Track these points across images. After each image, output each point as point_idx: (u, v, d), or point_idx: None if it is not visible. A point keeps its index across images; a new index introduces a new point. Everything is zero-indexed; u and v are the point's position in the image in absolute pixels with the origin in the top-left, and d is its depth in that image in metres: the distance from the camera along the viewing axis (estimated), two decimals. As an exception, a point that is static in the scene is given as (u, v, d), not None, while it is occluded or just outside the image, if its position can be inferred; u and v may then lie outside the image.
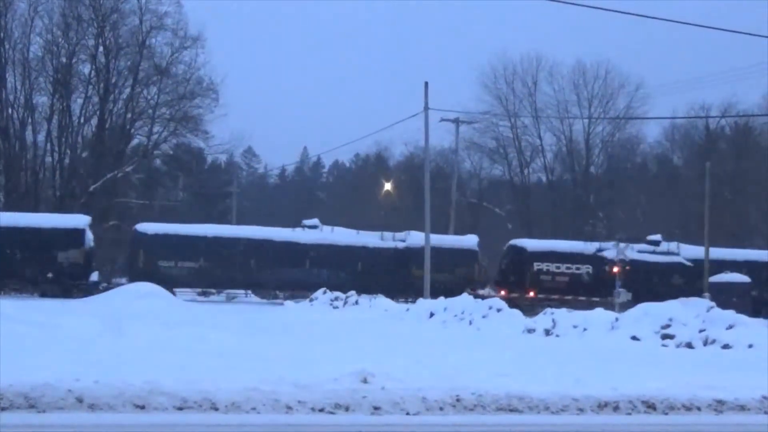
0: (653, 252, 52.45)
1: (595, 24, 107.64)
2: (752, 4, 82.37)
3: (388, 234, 52.00)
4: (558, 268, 51.60)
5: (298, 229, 51.14)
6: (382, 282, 48.99)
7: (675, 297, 47.53)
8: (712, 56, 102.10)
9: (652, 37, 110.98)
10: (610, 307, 38.22)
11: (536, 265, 51.21)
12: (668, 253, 52.52)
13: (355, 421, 11.26)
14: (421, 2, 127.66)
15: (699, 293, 47.06)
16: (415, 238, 50.59)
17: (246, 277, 49.28)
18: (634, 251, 51.25)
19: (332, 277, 49.43)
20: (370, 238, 51.52)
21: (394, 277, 49.74)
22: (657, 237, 53.35)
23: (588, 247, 52.57)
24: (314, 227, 51.42)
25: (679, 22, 25.39)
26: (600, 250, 51.93)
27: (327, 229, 51.60)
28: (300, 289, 47.99)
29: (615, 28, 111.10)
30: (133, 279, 46.60)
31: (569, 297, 48.67)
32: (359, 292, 43.22)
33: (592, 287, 50.57)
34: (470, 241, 52.75)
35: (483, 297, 46.91)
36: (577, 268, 51.76)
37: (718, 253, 52.39)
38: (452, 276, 49.81)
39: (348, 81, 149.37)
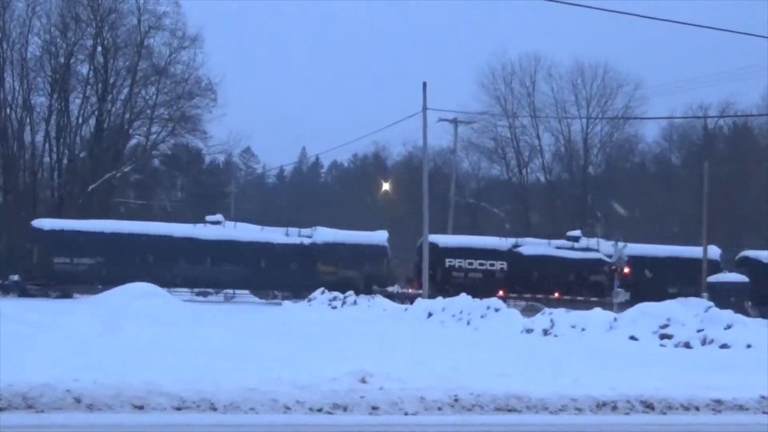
0: (572, 248, 51.55)
1: (593, 24, 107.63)
2: (750, 4, 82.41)
3: (293, 230, 50.84)
4: (471, 264, 50.51)
5: (200, 225, 49.86)
6: (286, 278, 47.99)
7: (594, 294, 47.41)
8: (710, 56, 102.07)
9: (650, 37, 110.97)
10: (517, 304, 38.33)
11: (448, 262, 50.16)
12: (587, 249, 51.56)
13: (353, 421, 11.26)
14: (419, 2, 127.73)
15: (609, 289, 46.60)
16: (322, 234, 49.75)
17: (144, 274, 46.55)
18: (551, 247, 50.76)
19: (234, 273, 48.38)
20: (275, 234, 50.33)
21: (299, 273, 48.41)
22: (577, 233, 52.48)
23: (504, 243, 51.39)
24: (217, 223, 50.23)
25: (677, 22, 25.41)
26: (516, 246, 50.89)
27: (230, 225, 50.49)
28: (202, 286, 47.12)
29: (613, 29, 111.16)
30: (27, 276, 46.07)
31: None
32: (262, 289, 42.45)
33: (507, 283, 49.53)
34: (380, 237, 51.41)
35: (392, 295, 46.61)
36: (492, 264, 50.68)
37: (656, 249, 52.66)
38: (360, 272, 48.81)
39: (346, 81, 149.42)
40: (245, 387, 11.86)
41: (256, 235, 50.00)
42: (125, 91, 63.82)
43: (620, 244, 47.96)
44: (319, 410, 11.62)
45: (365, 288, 45.90)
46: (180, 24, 63.44)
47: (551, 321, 26.76)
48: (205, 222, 50.33)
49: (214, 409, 11.33)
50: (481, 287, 47.92)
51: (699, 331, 23.86)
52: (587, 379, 13.71)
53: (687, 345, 23.23)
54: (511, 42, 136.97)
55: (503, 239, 51.93)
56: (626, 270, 45.67)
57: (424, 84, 46.00)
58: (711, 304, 27.15)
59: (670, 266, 52.31)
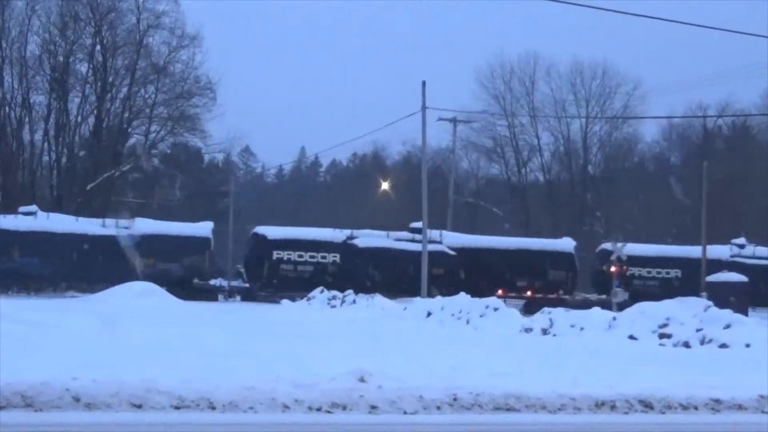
0: (412, 240, 49.85)
1: (592, 23, 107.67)
2: (749, 4, 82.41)
3: (110, 221, 49.03)
4: (301, 257, 48.84)
5: (10, 216, 47.55)
6: (101, 271, 45.66)
7: (436, 286, 45.67)
8: (710, 56, 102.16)
9: (650, 36, 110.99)
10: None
11: (276, 254, 48.47)
12: (430, 241, 49.27)
13: (352, 420, 11.26)
14: (418, 2, 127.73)
15: (458, 281, 46.19)
16: (141, 225, 48.11)
17: None
18: (390, 239, 49.37)
19: (44, 267, 46.27)
20: (91, 226, 48.34)
21: (116, 266, 45.78)
22: (419, 224, 50.04)
23: (337, 235, 49.82)
24: (30, 214, 47.97)
25: (676, 22, 25.41)
26: (351, 237, 49.42)
27: (42, 215, 48.28)
28: (8, 280, 44.23)
29: (612, 28, 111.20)
30: None
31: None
32: (74, 281, 40.88)
33: (339, 277, 47.82)
34: (203, 229, 49.67)
35: (215, 288, 45.56)
36: (323, 257, 49.06)
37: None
38: (180, 265, 47.18)
39: (345, 80, 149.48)
40: (244, 386, 11.85)
41: (70, 227, 47.77)
42: (124, 90, 63.92)
43: (619, 243, 47.87)
44: (318, 409, 11.61)
45: (185, 281, 44.46)
46: (179, 23, 63.58)
47: (550, 320, 26.77)
48: (17, 213, 48.00)
49: (213, 408, 11.33)
50: (312, 281, 46.87)
51: (698, 330, 23.85)
52: (586, 379, 13.71)
53: (686, 344, 23.22)
54: (511, 41, 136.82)
55: (337, 231, 50.23)
56: (614, 269, 45.54)
57: (423, 83, 46.02)
58: (710, 303, 27.13)
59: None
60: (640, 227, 69.77)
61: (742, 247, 53.01)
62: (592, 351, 19.81)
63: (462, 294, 32.12)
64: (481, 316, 29.12)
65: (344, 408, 11.73)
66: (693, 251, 53.37)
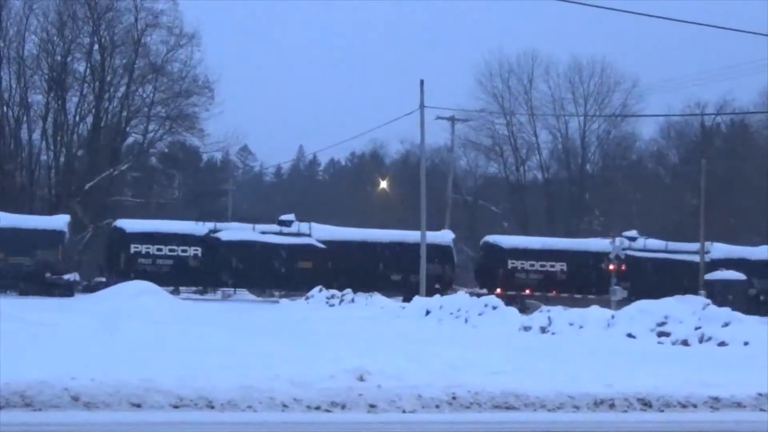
0: (280, 233, 48.80)
1: (590, 22, 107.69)
2: (748, 1, 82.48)
3: None
4: (160, 250, 47.00)
5: None
6: None
7: (303, 280, 45.23)
8: (708, 54, 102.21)
9: (648, 34, 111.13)
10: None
11: (134, 247, 46.83)
12: (298, 234, 48.86)
13: (351, 419, 11.26)
14: (416, 0, 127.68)
15: (333, 275, 45.54)
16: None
17: None
18: (256, 232, 47.89)
19: None
20: None
21: None
22: (290, 217, 49.91)
23: (200, 228, 48.05)
24: None
25: (675, 20, 25.41)
26: (214, 231, 47.85)
27: None
28: None
29: (611, 26, 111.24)
30: None
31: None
32: None
33: (201, 271, 46.89)
34: (57, 222, 47.14)
35: (68, 283, 43.45)
36: (184, 251, 47.38)
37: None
38: (32, 259, 44.84)
39: (344, 79, 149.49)
40: (243, 385, 11.85)
41: None
42: (122, 89, 63.82)
43: (617, 241, 47.94)
44: (317, 408, 11.61)
45: (37, 276, 42.96)
46: (177, 22, 63.46)
47: (549, 319, 26.79)
48: None
49: (212, 407, 11.33)
50: (172, 275, 45.93)
51: (697, 328, 23.88)
52: (585, 377, 13.71)
53: (685, 342, 23.25)
54: (509, 40, 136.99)
55: (200, 224, 48.64)
56: (612, 267, 45.46)
57: (422, 82, 46.02)
58: (708, 301, 27.17)
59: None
60: (639, 225, 69.78)
61: (633, 239, 52.02)
62: (591, 349, 19.84)
63: (461, 292, 32.11)
64: (479, 314, 29.15)
65: (343, 407, 11.74)
66: (579, 244, 52.71)
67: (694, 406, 13.03)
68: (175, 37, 63.63)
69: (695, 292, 47.60)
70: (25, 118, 61.86)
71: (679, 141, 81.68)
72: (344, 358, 13.89)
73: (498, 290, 46.49)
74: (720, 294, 42.77)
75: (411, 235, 49.49)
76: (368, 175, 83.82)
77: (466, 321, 29.10)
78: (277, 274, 45.78)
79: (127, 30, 63.39)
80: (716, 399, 13.24)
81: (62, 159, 62.76)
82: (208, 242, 47.24)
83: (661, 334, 24.06)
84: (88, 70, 63.15)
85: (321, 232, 48.97)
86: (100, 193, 60.64)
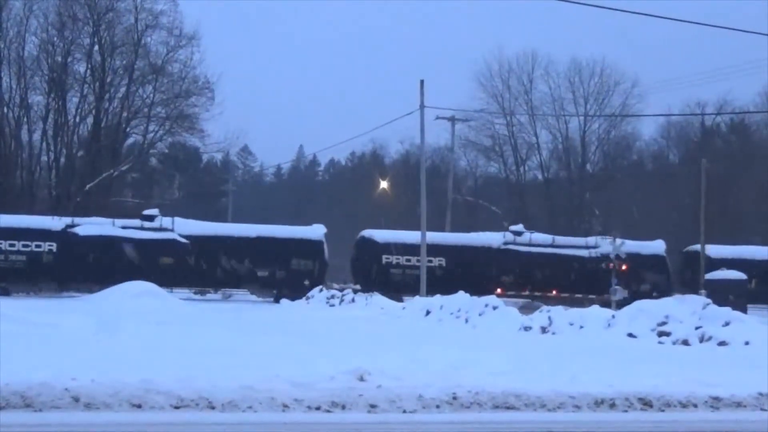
0: (141, 228, 46.74)
1: (590, 22, 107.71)
2: (748, 1, 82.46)
3: None
4: (13, 246, 44.55)
5: None
6: None
7: (164, 276, 43.33)
8: (708, 53, 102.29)
9: (648, 34, 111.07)
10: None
11: None
12: (161, 229, 46.90)
13: (351, 419, 11.26)
14: (416, 1, 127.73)
15: (196, 271, 44.86)
16: None
17: None
18: (116, 227, 46.10)
19: None
20: None
21: None
22: (154, 211, 48.18)
23: (56, 223, 45.78)
24: None
25: (675, 20, 25.41)
26: (71, 225, 45.73)
27: None
28: None
29: (610, 26, 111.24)
30: None
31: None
32: None
33: (57, 268, 44.66)
34: None
35: None
36: (38, 246, 44.85)
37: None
38: None
39: (343, 79, 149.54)
40: (243, 385, 11.86)
41: None
42: (122, 89, 63.76)
43: (618, 241, 47.83)
44: (317, 408, 11.61)
45: None
46: (177, 22, 63.42)
47: (549, 319, 26.77)
48: None
49: (212, 408, 11.33)
50: (26, 272, 44.34)
51: (697, 328, 23.87)
52: (585, 377, 13.72)
53: (685, 342, 23.24)
54: (509, 40, 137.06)
55: (56, 218, 46.43)
56: (611, 266, 45.15)
57: (422, 82, 45.99)
58: (709, 301, 27.13)
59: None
60: (639, 225, 69.80)
61: (519, 234, 50.62)
62: (591, 349, 19.84)
63: (461, 292, 32.10)
64: (480, 314, 29.13)
65: (343, 407, 11.73)
66: (457, 238, 51.39)
67: (695, 405, 13.03)
68: (175, 37, 63.65)
69: (582, 287, 47.24)
70: (25, 119, 61.85)
71: (679, 141, 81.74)
72: (344, 358, 13.90)
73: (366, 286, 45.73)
74: (721, 293, 42.70)
75: (279, 230, 48.78)
76: (368, 176, 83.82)
77: (467, 321, 29.10)
78: (136, 270, 43.34)
79: (127, 31, 63.40)
80: (717, 399, 13.24)
81: (62, 160, 62.74)
82: (64, 238, 45.11)
83: (661, 334, 24.05)
84: (88, 70, 63.16)
85: (184, 227, 47.17)
86: (100, 194, 60.62)
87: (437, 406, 12.06)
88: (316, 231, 49.19)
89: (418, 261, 47.31)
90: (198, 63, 64.13)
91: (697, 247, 52.98)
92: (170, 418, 10.77)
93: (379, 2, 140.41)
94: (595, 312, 27.06)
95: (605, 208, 77.39)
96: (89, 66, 62.96)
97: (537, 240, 51.07)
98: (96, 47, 62.89)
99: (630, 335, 24.25)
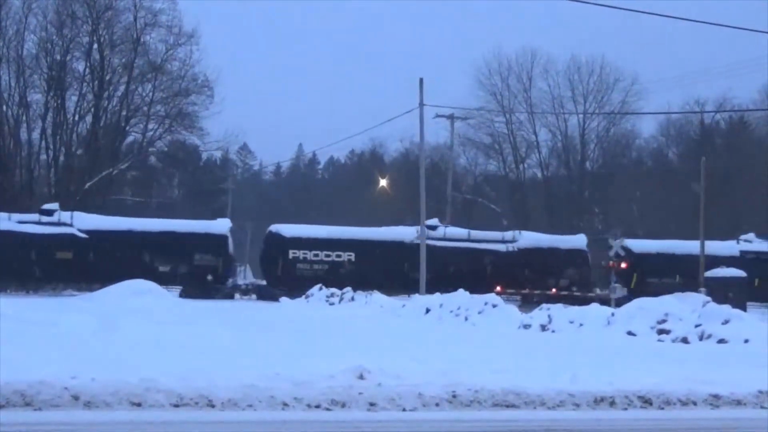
0: (38, 222, 45.54)
1: (589, 19, 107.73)
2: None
3: None
4: None
5: None
6: None
7: (63, 272, 42.85)
8: (707, 51, 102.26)
9: (647, 32, 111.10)
10: None
11: None
12: (59, 224, 45.70)
13: (351, 417, 11.26)
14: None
15: (95, 266, 43.86)
16: None
17: None
18: (12, 221, 44.98)
19: None
20: None
21: None
22: (53, 206, 47.06)
23: None
24: None
25: (674, 18, 25.41)
26: None
27: None
28: None
29: (610, 24, 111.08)
30: None
31: None
32: None
33: None
34: None
35: None
36: None
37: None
38: None
39: (343, 77, 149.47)
40: (243, 384, 11.85)
41: None
42: (122, 88, 63.87)
43: (617, 239, 47.81)
44: (317, 407, 11.61)
45: None
46: (176, 21, 63.54)
47: (549, 317, 26.78)
48: None
49: (212, 406, 11.32)
50: None
51: (697, 326, 23.87)
52: (585, 375, 13.71)
53: (685, 340, 23.24)
54: (508, 38, 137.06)
55: None
56: (611, 264, 44.99)
57: (421, 80, 45.97)
58: (709, 299, 27.14)
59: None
60: (638, 222, 69.89)
61: (433, 228, 49.58)
62: (591, 347, 19.85)
63: (461, 291, 32.10)
64: (479, 312, 29.14)
65: (343, 405, 11.73)
66: (368, 233, 50.48)
67: (695, 403, 13.03)
68: (174, 36, 63.78)
69: (499, 281, 46.26)
70: (24, 118, 61.92)
71: (678, 138, 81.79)
72: (344, 356, 13.89)
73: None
74: (720, 291, 42.68)
75: (182, 225, 48.14)
76: (368, 174, 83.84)
77: (466, 319, 29.10)
78: (33, 266, 43.12)
79: (127, 29, 63.48)
80: (716, 396, 13.24)
81: (62, 158, 62.80)
82: None
83: (661, 332, 24.06)
84: (87, 69, 63.22)
85: (84, 222, 46.23)
86: (99, 193, 60.65)
87: (437, 405, 12.05)
88: (220, 225, 48.53)
89: (326, 256, 47.31)
90: (197, 61, 64.30)
91: (629, 242, 52.80)
92: (170, 417, 10.76)
93: (379, 1, 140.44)
94: (595, 310, 27.08)
95: (605, 206, 77.44)
96: (88, 64, 63.03)
97: (452, 234, 50.34)
98: (95, 45, 62.97)
99: (629, 333, 24.26)
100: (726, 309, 25.06)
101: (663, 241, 53.21)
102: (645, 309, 25.50)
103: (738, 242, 52.78)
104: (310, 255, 48.41)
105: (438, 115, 62.77)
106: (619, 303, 35.71)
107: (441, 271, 46.96)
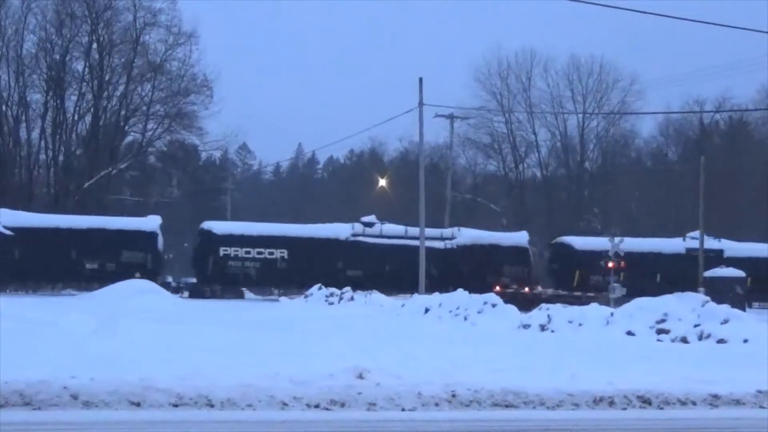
0: None
1: (589, 19, 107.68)
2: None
3: None
4: None
5: None
6: None
7: None
8: (706, 51, 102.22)
9: (646, 32, 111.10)
10: None
11: None
12: None
13: (350, 417, 11.26)
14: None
15: (21, 265, 43.48)
16: None
17: None
18: None
19: None
20: None
21: None
22: None
23: None
24: None
25: (673, 17, 25.41)
26: None
27: None
28: None
29: (609, 23, 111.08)
30: None
31: None
32: None
33: None
34: None
35: None
36: None
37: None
38: None
39: (342, 77, 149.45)
40: (242, 383, 11.85)
41: None
42: (121, 87, 63.83)
43: (616, 239, 47.75)
44: (316, 406, 11.61)
45: None
46: (175, 20, 63.49)
47: (548, 317, 26.75)
48: None
49: (211, 406, 11.33)
50: None
51: (696, 325, 23.86)
52: (584, 375, 13.72)
53: (684, 340, 23.24)
54: (507, 37, 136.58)
55: None
56: (611, 264, 44.85)
57: (420, 80, 46.00)
58: (708, 298, 27.13)
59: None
60: (638, 222, 69.84)
61: (370, 225, 49.38)
62: (590, 347, 19.83)
63: (460, 290, 32.09)
64: (479, 312, 29.11)
65: (342, 405, 11.74)
66: (301, 230, 50.10)
67: (694, 403, 13.04)
68: (173, 35, 63.72)
69: (439, 279, 46.09)
70: (23, 117, 61.90)
71: (677, 138, 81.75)
72: (343, 356, 13.89)
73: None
74: (719, 291, 42.67)
75: (110, 221, 47.58)
76: (367, 173, 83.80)
77: (466, 319, 29.07)
78: None
79: (126, 29, 63.46)
80: (715, 396, 13.24)
81: (61, 158, 62.79)
82: None
83: (660, 332, 24.04)
84: (86, 69, 63.18)
85: (10, 218, 45.65)
86: (98, 192, 60.64)
87: (436, 404, 12.06)
88: (149, 222, 47.95)
89: (258, 253, 46.82)
90: (196, 61, 64.25)
91: (565, 238, 52.52)
92: (169, 416, 10.77)
93: (379, 0, 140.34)
94: (594, 310, 27.05)
95: (604, 206, 77.43)
96: (88, 64, 62.99)
97: (389, 231, 49.80)
98: (94, 45, 62.94)
99: (629, 333, 24.24)
100: (725, 309, 25.06)
101: (607, 239, 53.20)
102: (644, 309, 25.48)
103: (684, 239, 52.58)
104: (241, 252, 47.83)
105: (437, 115, 62.80)
106: (549, 300, 35.70)
107: (376, 268, 46.61)
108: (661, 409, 12.74)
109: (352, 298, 39.11)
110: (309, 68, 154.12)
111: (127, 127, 65.12)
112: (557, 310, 27.32)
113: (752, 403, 13.21)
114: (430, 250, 47.71)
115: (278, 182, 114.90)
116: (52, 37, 61.92)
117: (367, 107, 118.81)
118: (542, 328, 26.23)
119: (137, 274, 43.63)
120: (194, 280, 50.44)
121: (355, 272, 47.08)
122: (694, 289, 44.26)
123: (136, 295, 34.53)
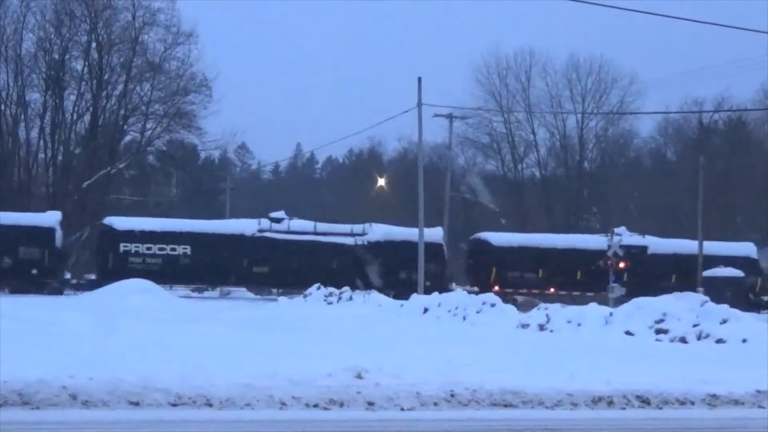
0: None
1: (588, 19, 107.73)
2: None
3: None
4: None
5: None
6: None
7: None
8: (706, 51, 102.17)
9: (645, 31, 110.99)
10: None
11: None
12: None
13: (349, 416, 11.27)
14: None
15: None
16: None
17: None
18: None
19: None
20: None
21: None
22: None
23: None
24: None
25: (672, 17, 25.42)
26: None
27: None
28: None
29: (608, 23, 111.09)
30: None
31: None
32: None
33: None
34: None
35: None
36: None
37: None
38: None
39: (341, 76, 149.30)
40: (241, 383, 11.85)
41: None
42: (120, 87, 63.79)
43: (616, 238, 47.75)
44: (315, 406, 11.61)
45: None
46: (174, 20, 63.45)
47: (547, 316, 26.75)
48: None
49: (210, 405, 11.33)
50: None
51: (695, 325, 23.86)
52: (583, 374, 13.72)
53: (683, 340, 23.24)
54: (506, 37, 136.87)
55: None
56: (620, 264, 44.76)
57: (419, 79, 45.97)
58: (706, 298, 27.14)
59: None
60: (637, 222, 69.79)
61: (277, 221, 48.56)
62: (589, 347, 19.83)
63: (459, 290, 32.10)
64: (477, 312, 29.10)
65: (341, 404, 11.74)
66: (205, 225, 49.30)
67: (692, 403, 13.04)
68: (172, 35, 63.66)
69: (348, 276, 45.50)
70: (22, 117, 61.91)
71: (676, 138, 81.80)
72: (342, 356, 13.89)
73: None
74: (718, 290, 42.67)
75: (7, 217, 45.66)
76: (366, 173, 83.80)
77: (464, 319, 29.07)
78: None
79: (125, 28, 63.43)
80: (714, 396, 13.25)
81: (60, 157, 62.79)
82: None
83: (659, 332, 24.04)
84: (85, 68, 63.19)
85: None
86: (97, 192, 60.64)
87: (435, 404, 12.06)
88: (47, 218, 46.96)
89: (160, 249, 46.31)
90: (195, 60, 64.19)
91: (482, 234, 52.05)
92: (168, 416, 10.77)
93: (378, 0, 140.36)
94: (593, 310, 27.05)
95: (603, 206, 77.45)
96: (86, 63, 63.00)
97: (297, 227, 49.18)
98: (93, 45, 62.92)
99: (628, 333, 24.23)
100: (724, 309, 25.06)
101: (525, 234, 53.03)
102: (643, 308, 25.48)
103: (607, 236, 52.37)
104: (143, 248, 47.13)
105: (436, 115, 62.67)
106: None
107: (284, 265, 46.08)
108: (660, 408, 12.75)
109: (350, 298, 39.13)
110: (308, 68, 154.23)
111: (126, 127, 65.13)
112: (556, 309, 27.32)
113: (751, 402, 13.21)
114: (338, 246, 47.56)
115: (277, 182, 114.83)
116: (51, 36, 61.97)
117: (366, 107, 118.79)
118: (541, 327, 26.23)
119: (34, 271, 43.28)
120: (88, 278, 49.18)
121: (261, 268, 46.55)
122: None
123: (134, 294, 34.50)
